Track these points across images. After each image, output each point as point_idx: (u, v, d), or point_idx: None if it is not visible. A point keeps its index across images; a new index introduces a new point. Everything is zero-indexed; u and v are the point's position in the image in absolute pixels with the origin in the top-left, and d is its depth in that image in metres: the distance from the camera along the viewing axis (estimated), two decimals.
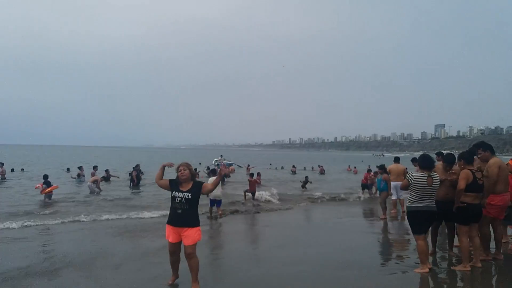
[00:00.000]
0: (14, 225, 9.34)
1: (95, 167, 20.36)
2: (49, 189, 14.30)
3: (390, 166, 12.37)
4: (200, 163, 43.14)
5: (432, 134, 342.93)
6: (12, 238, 8.18)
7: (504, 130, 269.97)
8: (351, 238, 8.95)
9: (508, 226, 7.58)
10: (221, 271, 6.08)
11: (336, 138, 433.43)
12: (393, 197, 12.04)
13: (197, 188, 5.01)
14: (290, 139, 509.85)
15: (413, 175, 5.83)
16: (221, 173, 5.46)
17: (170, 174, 5.34)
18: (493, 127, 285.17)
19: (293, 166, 36.55)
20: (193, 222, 4.97)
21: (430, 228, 6.34)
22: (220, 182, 11.44)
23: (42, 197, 14.11)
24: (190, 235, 4.91)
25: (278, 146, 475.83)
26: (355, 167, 38.34)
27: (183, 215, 4.91)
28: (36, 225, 9.55)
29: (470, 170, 5.87)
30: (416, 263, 6.10)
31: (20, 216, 10.72)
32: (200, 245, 7.24)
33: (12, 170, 28.26)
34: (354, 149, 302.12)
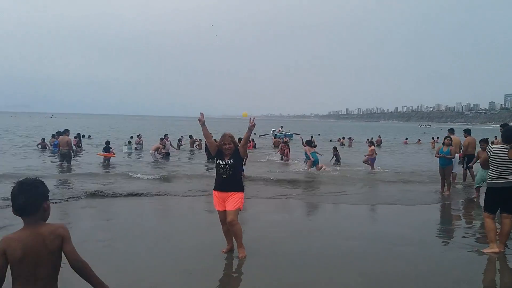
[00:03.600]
0: None
1: (165, 136, 20.14)
2: (105, 154, 15.85)
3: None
4: (255, 133, 43.45)
5: (501, 105, 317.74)
6: None
7: None
8: (408, 213, 8.56)
9: None
10: (271, 243, 5.97)
11: (396, 108, 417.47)
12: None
13: (237, 153, 5.22)
14: (347, 109, 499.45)
15: (492, 147, 5.40)
16: (251, 128, 5.27)
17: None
18: None
19: (343, 138, 34.71)
20: (238, 187, 5.21)
21: None
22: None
23: None
24: (233, 200, 5.09)
25: (335, 116, 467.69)
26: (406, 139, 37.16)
27: (228, 179, 5.15)
28: None
29: None
30: (486, 242, 5.65)
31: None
32: (245, 216, 7.28)
33: (84, 136, 29.84)
34: (415, 120, 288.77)
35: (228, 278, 4.72)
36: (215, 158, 5.33)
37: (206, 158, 18.38)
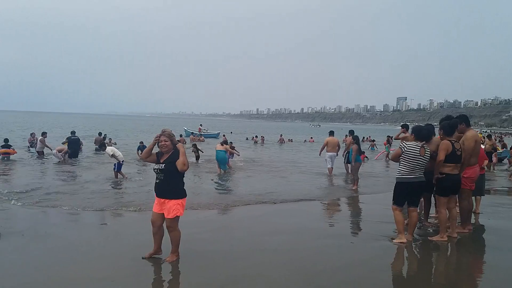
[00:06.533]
0: None
1: (44, 134, 18.06)
2: (5, 150, 14.96)
3: (327, 138, 14.32)
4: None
5: (394, 107, 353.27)
6: None
7: (462, 104, 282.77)
8: (325, 209, 9.03)
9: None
10: (194, 244, 5.76)
11: (302, 109, 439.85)
12: (328, 166, 14.02)
13: (174, 158, 4.81)
14: (258, 109, 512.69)
15: (407, 144, 5.80)
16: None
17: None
18: (451, 101, 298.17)
19: (256, 136, 36.52)
20: (171, 194, 4.82)
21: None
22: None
23: None
24: (168, 208, 4.81)
25: (246, 116, 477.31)
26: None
27: (161, 185, 4.84)
28: None
29: (450, 141, 5.91)
30: (394, 232, 6.16)
31: None
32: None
33: None
34: (319, 120, 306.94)
35: (157, 283, 4.49)
36: None
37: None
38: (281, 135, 38.76)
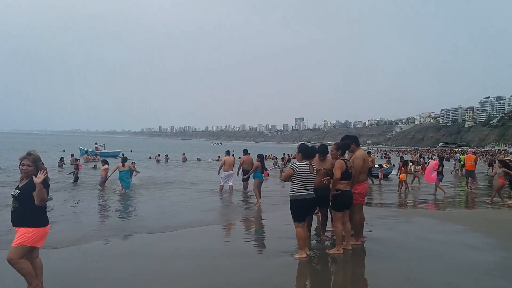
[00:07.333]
0: None
1: None
2: None
3: (224, 157, 14.88)
4: (64, 150, 40.42)
5: (292, 126, 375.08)
6: None
7: (352, 124, 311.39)
8: (227, 228, 9.04)
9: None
10: (90, 272, 5.40)
11: (207, 127, 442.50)
12: (221, 184, 14.37)
13: (29, 186, 4.25)
14: (160, 127, 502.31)
15: (297, 164, 6.04)
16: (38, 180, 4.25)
17: None
18: (343, 122, 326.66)
19: (158, 155, 35.69)
20: (23, 221, 4.25)
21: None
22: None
23: None
24: (17, 235, 4.24)
25: (148, 133, 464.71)
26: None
27: (14, 213, 4.29)
28: None
29: (343, 160, 6.38)
30: (295, 248, 6.36)
31: None
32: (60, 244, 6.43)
33: None
34: (224, 139, 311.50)
35: None
36: None
37: None
38: (184, 154, 38.52)
